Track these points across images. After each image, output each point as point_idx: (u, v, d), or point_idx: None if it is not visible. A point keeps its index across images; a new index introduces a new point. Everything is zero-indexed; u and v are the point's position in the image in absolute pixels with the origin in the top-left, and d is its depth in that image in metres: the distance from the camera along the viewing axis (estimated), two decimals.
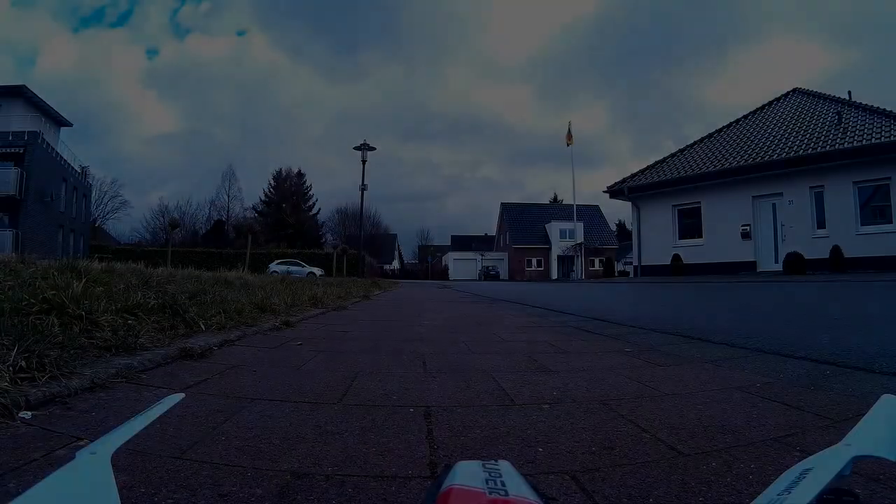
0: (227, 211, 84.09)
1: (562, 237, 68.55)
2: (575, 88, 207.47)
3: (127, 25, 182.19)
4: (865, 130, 21.53)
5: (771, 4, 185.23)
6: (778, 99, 28.71)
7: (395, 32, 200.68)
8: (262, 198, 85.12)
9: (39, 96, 40.60)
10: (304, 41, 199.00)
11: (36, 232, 36.51)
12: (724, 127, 29.21)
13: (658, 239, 26.94)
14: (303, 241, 75.23)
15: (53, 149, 39.25)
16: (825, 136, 22.59)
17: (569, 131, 38.03)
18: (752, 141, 25.63)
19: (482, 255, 72.08)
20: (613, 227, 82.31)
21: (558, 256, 69.03)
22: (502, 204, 79.04)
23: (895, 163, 19.88)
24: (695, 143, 28.78)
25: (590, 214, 74.68)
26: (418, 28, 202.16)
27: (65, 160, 41.67)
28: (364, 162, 28.37)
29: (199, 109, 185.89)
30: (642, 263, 27.50)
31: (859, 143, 20.40)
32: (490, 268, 67.48)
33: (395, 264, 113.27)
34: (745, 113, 29.55)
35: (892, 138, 19.80)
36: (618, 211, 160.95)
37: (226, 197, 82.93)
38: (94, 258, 36.03)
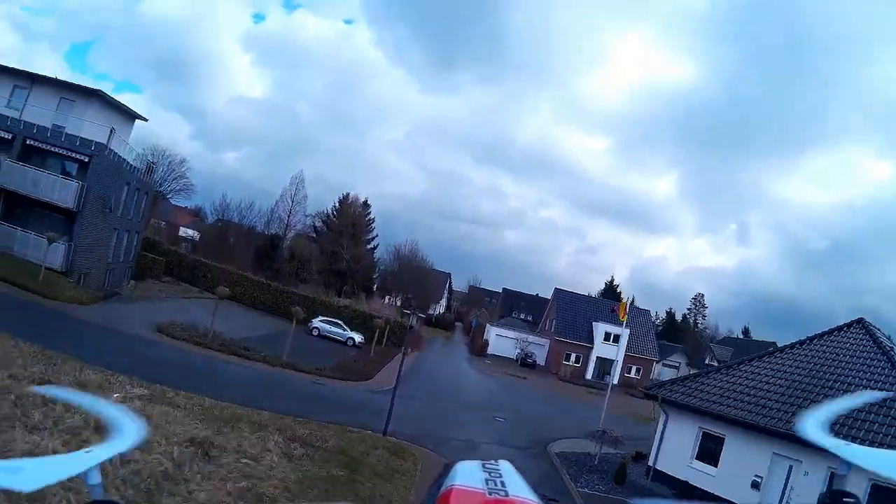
0: (289, 216, 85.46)
1: (605, 340, 68.36)
2: (651, 153, 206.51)
3: None
4: None
5: (850, 120, 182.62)
6: (840, 329, 28.27)
7: (494, 57, 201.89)
8: (324, 219, 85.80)
9: (115, 99, 41.50)
10: (406, 46, 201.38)
11: (89, 240, 37.21)
12: (776, 351, 28.94)
13: (677, 450, 26.89)
14: (355, 280, 76.41)
15: (119, 156, 39.53)
16: (860, 420, 22.44)
17: (624, 307, 38.23)
18: (794, 382, 25.46)
19: (524, 341, 71.88)
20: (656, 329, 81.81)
21: (597, 357, 68.80)
22: (556, 289, 78.82)
23: None
24: (741, 362, 28.48)
25: (639, 321, 74.65)
26: (516, 55, 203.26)
27: (130, 164, 42.15)
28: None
29: (288, 84, 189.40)
30: (656, 467, 27.56)
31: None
32: (528, 354, 67.34)
33: (443, 304, 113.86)
34: (803, 339, 29.19)
35: None
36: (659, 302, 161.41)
37: (290, 202, 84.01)
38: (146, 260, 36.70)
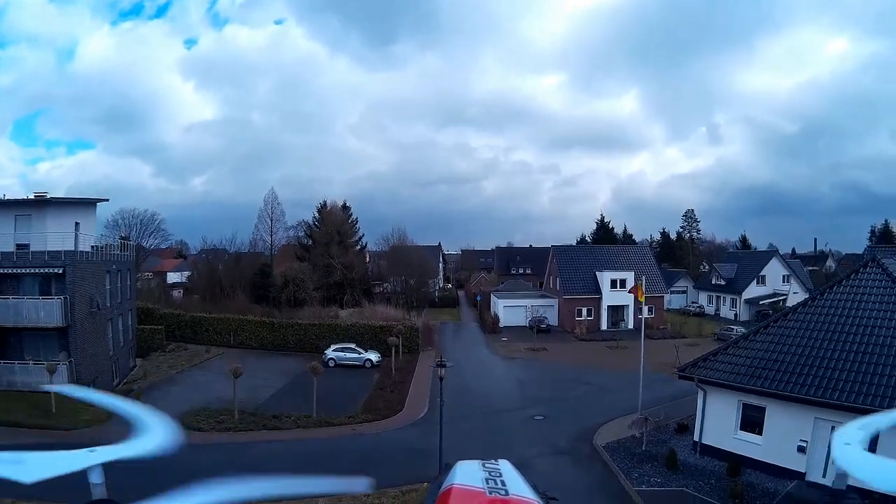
0: (272, 235, 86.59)
1: (612, 287, 68.38)
2: (606, 76, 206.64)
3: (165, 17, 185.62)
4: None
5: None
6: (857, 272, 27.97)
7: (429, 22, 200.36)
8: (307, 231, 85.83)
9: (69, 198, 40.78)
10: (340, 32, 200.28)
11: (88, 349, 36.42)
12: (798, 306, 28.62)
13: (720, 423, 26.85)
14: (353, 289, 76.00)
15: (91, 253, 38.76)
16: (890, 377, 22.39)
17: (640, 289, 37.96)
18: (822, 342, 25.29)
19: (534, 307, 71.69)
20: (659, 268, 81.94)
21: (608, 306, 68.91)
22: (553, 247, 79.06)
23: None
24: (766, 326, 28.16)
25: (640, 260, 74.98)
26: (451, 17, 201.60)
27: (105, 251, 41.49)
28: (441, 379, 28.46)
29: (237, 99, 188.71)
30: (702, 442, 27.60)
31: None
32: (541, 320, 67.05)
33: (440, 277, 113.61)
34: (822, 289, 28.91)
35: None
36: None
37: (269, 221, 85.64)
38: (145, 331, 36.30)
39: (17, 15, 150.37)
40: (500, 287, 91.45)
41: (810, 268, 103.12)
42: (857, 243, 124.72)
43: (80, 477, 2.85)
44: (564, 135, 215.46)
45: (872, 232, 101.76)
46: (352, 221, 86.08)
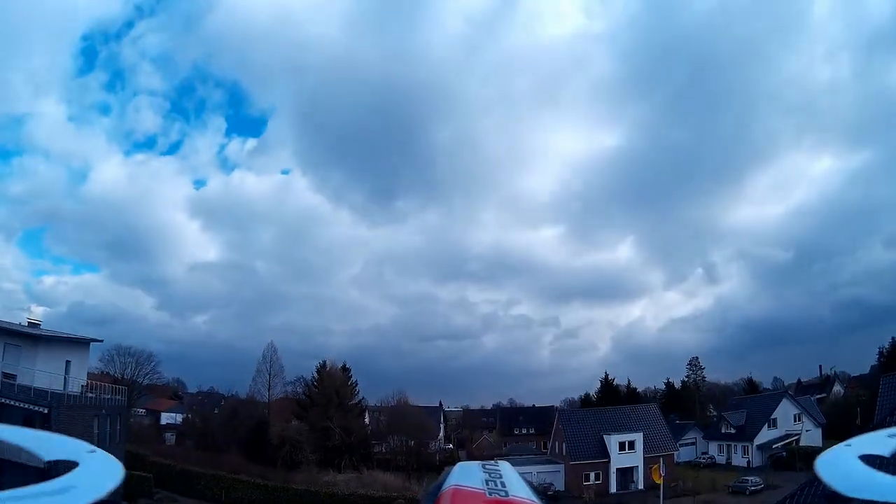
0: (269, 390, 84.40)
1: (620, 450, 66.42)
2: (602, 226, 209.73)
3: (176, 155, 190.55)
4: None
5: (776, 124, 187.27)
6: (884, 422, 26.59)
7: (430, 180, 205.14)
8: (305, 392, 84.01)
9: (61, 334, 39.81)
10: (343, 187, 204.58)
11: None
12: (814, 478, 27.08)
13: None
14: (351, 454, 73.72)
15: (82, 392, 37.70)
16: None
17: (657, 470, 36.69)
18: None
19: (538, 475, 69.36)
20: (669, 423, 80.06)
21: (617, 469, 66.57)
22: (558, 411, 78.27)
23: None
24: (801, 489, 26.71)
25: (648, 419, 73.30)
26: (449, 174, 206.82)
27: (97, 393, 40.16)
28: None
29: (240, 243, 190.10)
30: None
31: None
32: (547, 487, 64.54)
33: (440, 440, 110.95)
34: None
35: None
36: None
37: (267, 375, 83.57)
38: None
39: (36, 127, 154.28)
40: (503, 450, 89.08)
41: (818, 395, 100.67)
42: (862, 363, 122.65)
43: None
44: (564, 287, 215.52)
45: (880, 353, 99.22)
46: (351, 384, 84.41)
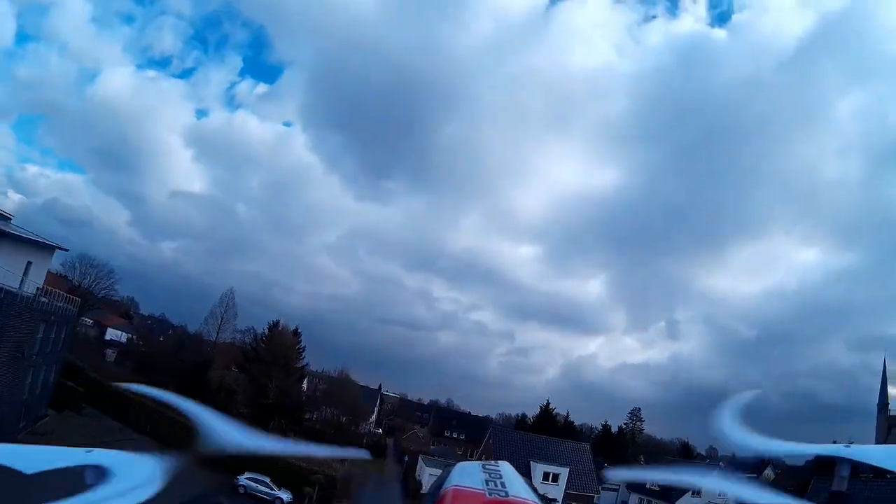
0: (217, 334, 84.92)
1: (544, 479, 67.06)
2: (577, 257, 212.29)
3: (187, 81, 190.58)
4: None
5: (775, 208, 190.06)
6: None
7: (423, 169, 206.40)
8: (253, 345, 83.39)
9: (29, 234, 39.35)
10: (339, 153, 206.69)
11: (1, 385, 34.50)
12: None
13: None
14: (282, 416, 73.96)
15: (33, 296, 37.18)
16: None
17: None
18: None
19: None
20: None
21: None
22: (493, 427, 78.72)
23: None
24: None
25: (577, 456, 73.99)
26: (444, 168, 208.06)
27: (45, 301, 39.54)
28: None
29: (228, 182, 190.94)
30: None
31: None
32: None
33: (373, 419, 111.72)
34: None
35: None
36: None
37: (219, 319, 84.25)
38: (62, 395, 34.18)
39: (59, 18, 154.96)
40: (431, 450, 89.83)
41: (750, 475, 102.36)
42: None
43: None
44: (527, 305, 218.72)
45: (818, 459, 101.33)
46: (299, 348, 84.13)
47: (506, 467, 5.20)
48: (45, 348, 40.48)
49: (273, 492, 45.24)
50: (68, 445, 25.66)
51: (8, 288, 34.09)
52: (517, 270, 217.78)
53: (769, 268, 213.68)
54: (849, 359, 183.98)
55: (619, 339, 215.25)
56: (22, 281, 36.00)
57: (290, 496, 45.74)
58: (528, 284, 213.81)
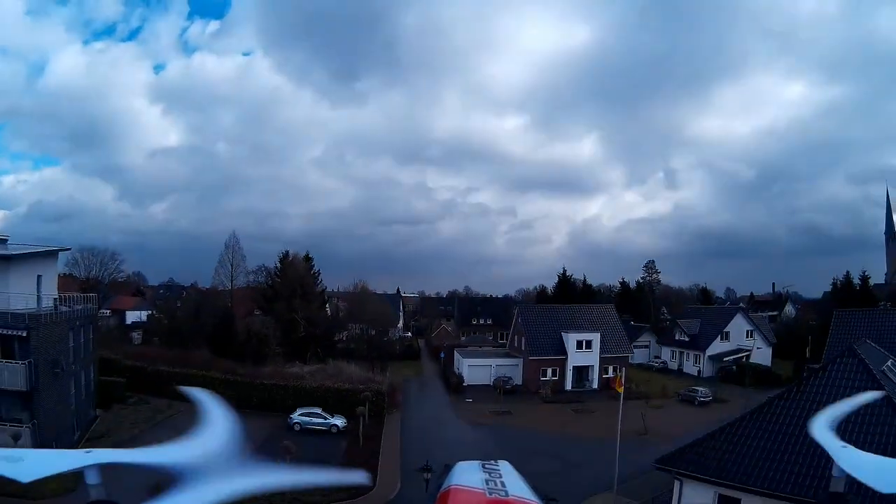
0: (232, 282, 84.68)
1: (577, 348, 68.68)
2: (567, 119, 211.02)
3: (137, 41, 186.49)
4: None
5: (753, 45, 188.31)
6: (834, 363, 28.47)
7: (395, 61, 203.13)
8: (268, 283, 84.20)
9: (31, 249, 39.04)
10: (306, 66, 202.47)
11: (52, 411, 35.04)
12: (775, 399, 28.93)
13: None
14: (316, 344, 75.12)
15: (54, 305, 37.78)
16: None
17: (619, 380, 38.20)
18: (798, 437, 25.66)
19: (500, 367, 71.80)
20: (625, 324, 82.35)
21: (573, 367, 69.09)
22: (519, 306, 79.40)
23: None
24: (744, 418, 28.51)
25: (605, 319, 75.80)
26: (414, 53, 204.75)
27: (67, 310, 39.66)
28: None
29: (202, 127, 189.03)
30: None
31: None
32: (506, 381, 67.01)
33: (399, 328, 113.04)
34: (799, 383, 29.38)
35: None
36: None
37: (230, 265, 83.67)
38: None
39: None
40: (462, 341, 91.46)
41: (770, 313, 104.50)
42: (814, 288, 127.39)
43: None
44: (523, 177, 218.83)
45: (834, 283, 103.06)
46: (314, 273, 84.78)
47: (506, 467, 5.55)
48: (79, 354, 40.70)
49: (327, 420, 46.64)
50: (131, 437, 26.09)
51: (30, 311, 34.45)
52: (508, 144, 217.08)
53: (758, 107, 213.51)
54: (850, 192, 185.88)
55: (619, 196, 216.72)
56: (38, 297, 36.26)
57: (344, 420, 46.84)
58: (521, 156, 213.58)
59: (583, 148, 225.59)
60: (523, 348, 71.62)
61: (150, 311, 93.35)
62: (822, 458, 24.14)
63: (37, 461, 3.14)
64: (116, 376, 50.77)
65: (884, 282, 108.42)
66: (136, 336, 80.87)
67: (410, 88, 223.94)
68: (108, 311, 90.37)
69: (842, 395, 26.29)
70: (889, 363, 31.09)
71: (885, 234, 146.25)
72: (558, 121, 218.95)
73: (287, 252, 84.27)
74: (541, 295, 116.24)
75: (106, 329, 73.25)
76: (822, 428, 4.37)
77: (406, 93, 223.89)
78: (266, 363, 63.08)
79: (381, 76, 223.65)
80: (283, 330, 73.15)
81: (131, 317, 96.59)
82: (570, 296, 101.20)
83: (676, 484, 27.91)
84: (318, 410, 47.60)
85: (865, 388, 25.83)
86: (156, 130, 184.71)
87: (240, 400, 49.76)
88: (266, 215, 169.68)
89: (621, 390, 37.23)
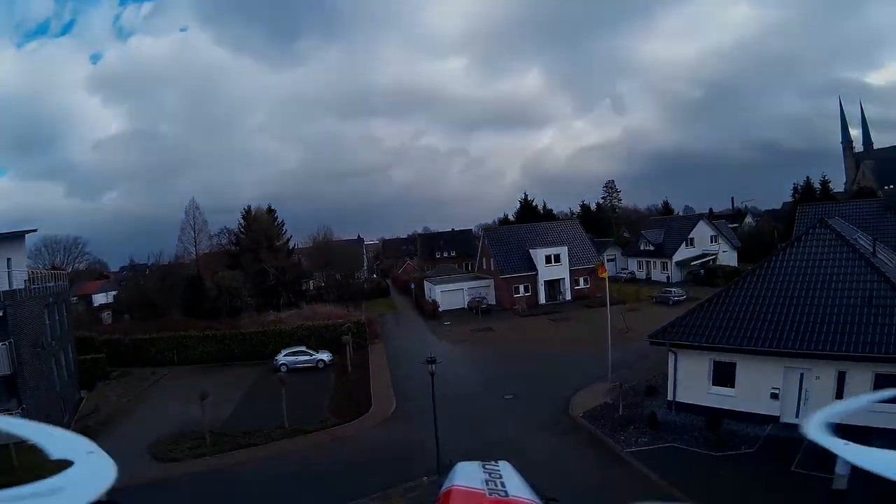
0: (196, 246, 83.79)
1: (547, 262, 69.52)
2: (509, 55, 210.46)
3: (71, 34, 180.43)
4: (891, 319, 23.28)
5: None
6: (807, 234, 29.31)
7: (330, 15, 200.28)
8: (232, 239, 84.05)
9: None
10: (243, 35, 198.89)
11: (38, 392, 34.13)
12: (756, 268, 29.65)
13: (693, 382, 27.98)
14: (287, 290, 75.65)
15: (27, 285, 36.44)
16: (853, 320, 23.92)
17: (601, 266, 39.14)
18: (783, 300, 26.65)
19: (472, 289, 72.55)
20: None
21: (545, 281, 70.00)
22: (485, 229, 79.66)
23: None
24: (729, 288, 29.23)
25: (571, 234, 76.77)
26: (350, 6, 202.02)
27: (38, 288, 38.63)
28: None
29: (144, 110, 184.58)
30: (677, 399, 28.62)
31: (879, 353, 22.56)
32: (480, 301, 68.04)
33: (364, 271, 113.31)
34: (777, 252, 30.18)
35: None
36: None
37: (192, 231, 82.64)
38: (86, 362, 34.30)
39: None
40: (429, 273, 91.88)
41: (731, 225, 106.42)
42: (772, 201, 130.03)
43: None
44: (470, 116, 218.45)
45: (795, 189, 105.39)
46: (278, 223, 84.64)
47: (506, 467, 5.53)
48: (56, 332, 40.02)
49: (313, 356, 46.82)
50: (124, 412, 25.64)
51: (3, 290, 33.52)
52: (452, 85, 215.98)
53: (701, 29, 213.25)
54: (802, 106, 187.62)
55: (569, 125, 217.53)
56: (10, 276, 35.52)
57: (330, 355, 47.23)
58: (466, 95, 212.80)
59: (528, 82, 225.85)
60: (493, 269, 72.15)
61: (115, 292, 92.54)
62: (806, 314, 25.40)
63: (63, 441, 3.14)
64: (94, 354, 49.57)
65: (843, 190, 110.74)
66: (106, 316, 79.55)
67: (350, 41, 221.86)
68: (75, 298, 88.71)
69: (818, 262, 27.53)
70: (860, 234, 32.17)
71: (842, 143, 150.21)
72: (500, 57, 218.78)
73: (249, 207, 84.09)
74: (503, 222, 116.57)
75: (76, 315, 71.94)
76: (821, 429, 4.38)
77: (346, 47, 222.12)
78: (241, 315, 63.40)
79: (320, 32, 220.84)
80: (253, 282, 73.18)
81: (98, 300, 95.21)
82: (532, 220, 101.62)
83: (671, 357, 28.78)
84: (303, 348, 47.86)
85: (841, 255, 27.07)
86: (97, 121, 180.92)
87: (222, 353, 50.23)
88: (219, 189, 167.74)
89: (605, 275, 38.10)
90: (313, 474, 25.04)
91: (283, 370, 45.12)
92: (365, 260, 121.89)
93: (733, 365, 26.82)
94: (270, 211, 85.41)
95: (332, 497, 22.15)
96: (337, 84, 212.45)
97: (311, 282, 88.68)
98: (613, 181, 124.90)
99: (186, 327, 56.03)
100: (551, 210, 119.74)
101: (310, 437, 30.84)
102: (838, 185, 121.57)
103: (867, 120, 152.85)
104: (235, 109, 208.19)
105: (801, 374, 24.96)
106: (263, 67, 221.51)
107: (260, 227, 79.06)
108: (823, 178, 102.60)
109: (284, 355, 46.85)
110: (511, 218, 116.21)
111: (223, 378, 44.66)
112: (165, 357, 51.59)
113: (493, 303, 70.98)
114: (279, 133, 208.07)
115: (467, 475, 5.39)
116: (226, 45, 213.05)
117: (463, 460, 6.31)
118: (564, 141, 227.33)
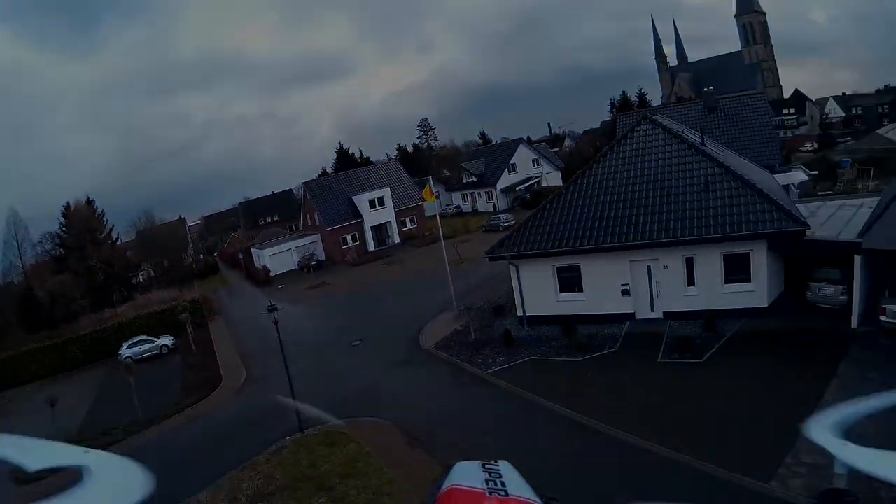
0: (22, 258, 77.39)
1: (371, 207, 69.50)
2: (312, 9, 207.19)
3: None
4: (729, 200, 24.48)
5: None
6: (632, 131, 30.13)
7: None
8: (57, 241, 79.04)
9: None
10: (45, 28, 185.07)
11: None
12: (585, 170, 30.18)
13: (539, 293, 28.57)
14: (119, 284, 72.77)
15: None
16: (693, 206, 24.87)
17: (429, 189, 39.03)
18: (618, 195, 27.37)
19: (299, 248, 71.42)
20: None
21: (371, 227, 70.34)
22: (303, 183, 78.08)
23: (754, 240, 23.34)
24: (560, 194, 29.61)
25: (392, 175, 77.96)
26: None
27: None
28: None
29: None
30: (527, 313, 29.09)
31: (725, 233, 23.71)
32: (310, 256, 67.68)
33: (190, 252, 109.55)
34: (603, 152, 30.86)
35: (753, 220, 23.33)
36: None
37: (15, 244, 76.22)
38: None
39: None
40: (255, 241, 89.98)
41: (552, 149, 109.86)
42: (589, 122, 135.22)
43: None
44: (275, 76, 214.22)
45: (612, 104, 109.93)
46: (99, 215, 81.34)
47: (506, 467, 5.34)
48: None
49: (156, 342, 46.06)
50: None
51: None
52: (251, 45, 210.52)
53: None
54: (610, 27, 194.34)
55: (377, 71, 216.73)
56: None
57: (172, 338, 46.79)
58: (268, 54, 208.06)
59: (331, 34, 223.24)
60: (318, 223, 71.61)
61: None
62: (643, 206, 26.23)
63: (43, 451, 2.72)
64: None
65: (661, 104, 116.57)
66: None
67: (151, 15, 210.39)
68: None
69: (648, 155, 28.54)
70: (686, 129, 33.53)
71: (656, 60, 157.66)
72: (302, 12, 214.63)
73: (68, 203, 79.95)
74: (322, 175, 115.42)
75: None
76: (820, 430, 4.30)
77: (147, 21, 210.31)
78: (78, 320, 61.32)
79: (119, 15, 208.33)
80: (84, 283, 70.34)
81: None
82: (351, 168, 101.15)
83: (513, 271, 29.37)
84: (144, 337, 46.96)
85: (670, 146, 28.20)
86: None
87: (64, 360, 47.59)
88: (40, 195, 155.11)
89: (433, 199, 38.35)
90: (174, 460, 24.01)
91: (128, 363, 42.73)
92: (190, 241, 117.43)
93: (578, 268, 27.54)
94: (89, 202, 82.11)
95: (197, 477, 21.43)
96: (144, 62, 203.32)
97: (140, 273, 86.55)
98: (427, 119, 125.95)
99: (28, 343, 52.73)
100: (368, 158, 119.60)
101: (165, 423, 30.04)
102: (656, 99, 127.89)
103: (681, 37, 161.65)
104: (43, 109, 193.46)
105: (649, 266, 25.94)
106: (64, 58, 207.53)
107: (80, 220, 75.89)
108: (640, 90, 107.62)
109: (127, 347, 45.71)
110: (329, 171, 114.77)
111: (70, 386, 42.61)
112: (9, 379, 47.56)
113: (323, 258, 71.57)
114: (89, 126, 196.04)
115: (467, 475, 5.26)
116: (27, 41, 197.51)
117: (462, 460, 6.04)
118: (374, 88, 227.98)
